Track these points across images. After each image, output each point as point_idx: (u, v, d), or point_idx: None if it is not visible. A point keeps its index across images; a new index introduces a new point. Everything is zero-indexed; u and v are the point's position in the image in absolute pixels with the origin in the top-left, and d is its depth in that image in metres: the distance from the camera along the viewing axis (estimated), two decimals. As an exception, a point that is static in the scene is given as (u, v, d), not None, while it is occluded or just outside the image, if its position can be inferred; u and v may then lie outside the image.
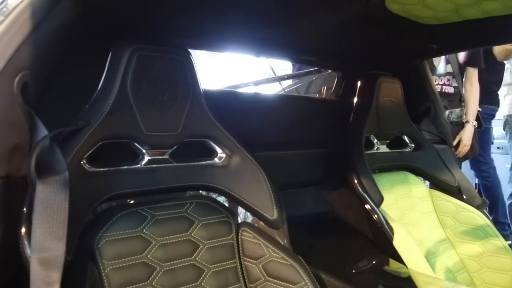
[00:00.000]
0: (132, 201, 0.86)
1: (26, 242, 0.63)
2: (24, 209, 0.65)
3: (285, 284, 0.85)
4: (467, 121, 2.22)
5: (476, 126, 2.26)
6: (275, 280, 0.86)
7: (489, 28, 1.13)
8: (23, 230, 0.64)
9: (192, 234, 0.85)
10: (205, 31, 1.05)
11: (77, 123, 0.77)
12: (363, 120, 1.37)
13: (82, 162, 0.77)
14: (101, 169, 0.80)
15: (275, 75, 2.44)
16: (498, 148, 3.62)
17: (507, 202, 2.59)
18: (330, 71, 1.84)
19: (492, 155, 3.58)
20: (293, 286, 0.84)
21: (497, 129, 3.73)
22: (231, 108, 1.09)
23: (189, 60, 0.90)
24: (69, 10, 0.74)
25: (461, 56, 2.26)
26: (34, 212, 0.61)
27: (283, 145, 1.29)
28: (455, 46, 1.44)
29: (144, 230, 0.79)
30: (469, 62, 2.25)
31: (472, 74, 2.26)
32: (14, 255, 0.64)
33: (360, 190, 1.22)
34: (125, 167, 0.84)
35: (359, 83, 1.44)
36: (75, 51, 0.82)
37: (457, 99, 2.29)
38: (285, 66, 3.58)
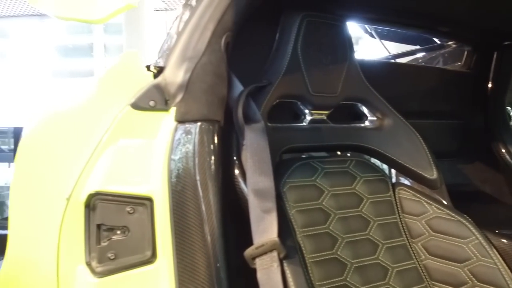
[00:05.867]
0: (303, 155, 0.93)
1: (240, 179, 0.73)
2: (234, 151, 0.75)
3: (453, 238, 0.87)
4: None
5: None
6: (442, 235, 0.88)
7: None
8: (236, 169, 0.74)
9: (356, 188, 0.90)
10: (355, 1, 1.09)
11: (261, 81, 0.86)
12: (503, 93, 1.32)
13: (265, 117, 0.85)
14: (278, 125, 0.88)
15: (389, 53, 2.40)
16: None
17: None
18: (448, 48, 1.76)
19: None
20: (462, 241, 0.86)
21: None
22: (372, 76, 1.12)
23: (347, 28, 0.95)
24: None
25: None
26: (246, 153, 0.71)
27: (418, 114, 1.28)
28: None
29: (317, 180, 0.86)
30: None
31: None
32: (227, 192, 0.74)
33: (509, 159, 1.18)
34: (294, 125, 0.92)
35: (495, 55, 1.38)
36: (252, 15, 0.91)
37: None
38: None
